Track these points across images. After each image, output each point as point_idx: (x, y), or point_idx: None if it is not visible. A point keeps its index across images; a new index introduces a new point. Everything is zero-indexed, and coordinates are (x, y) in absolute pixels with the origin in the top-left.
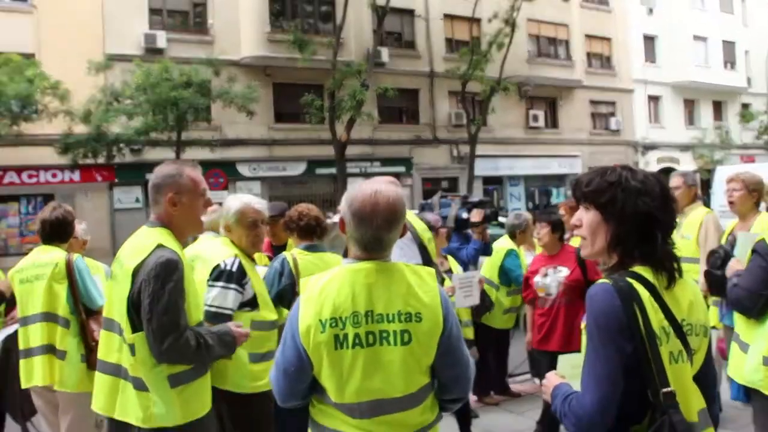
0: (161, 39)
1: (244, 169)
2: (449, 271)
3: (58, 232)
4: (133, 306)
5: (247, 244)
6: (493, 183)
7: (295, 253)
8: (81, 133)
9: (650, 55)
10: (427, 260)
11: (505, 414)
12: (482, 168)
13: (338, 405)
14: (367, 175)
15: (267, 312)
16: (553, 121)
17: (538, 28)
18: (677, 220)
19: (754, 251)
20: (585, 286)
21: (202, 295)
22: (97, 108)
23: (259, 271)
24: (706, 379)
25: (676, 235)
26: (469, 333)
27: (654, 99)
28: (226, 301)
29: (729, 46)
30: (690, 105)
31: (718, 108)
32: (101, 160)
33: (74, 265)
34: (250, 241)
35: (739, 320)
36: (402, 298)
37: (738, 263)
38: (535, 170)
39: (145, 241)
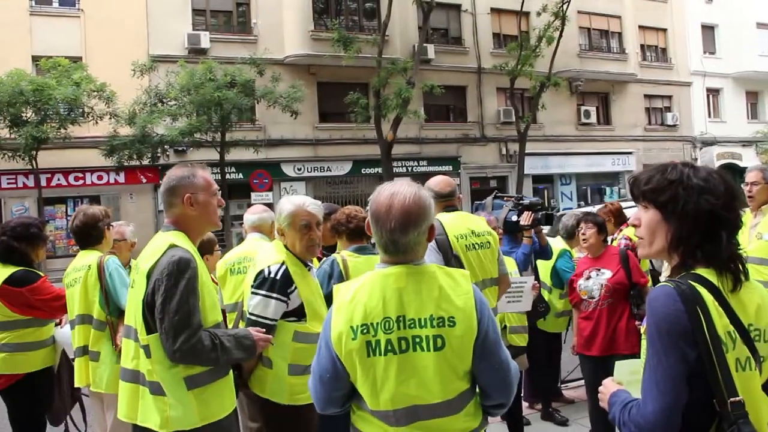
0: (205, 39)
1: (288, 170)
2: None
3: (84, 237)
4: (148, 307)
5: (300, 249)
6: (544, 182)
7: (344, 255)
8: (126, 135)
9: (709, 45)
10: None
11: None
12: (532, 166)
13: (374, 412)
14: (413, 175)
15: (316, 324)
16: (605, 117)
17: (589, 21)
18: (755, 218)
19: None
20: (629, 288)
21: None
22: (141, 110)
23: None
24: None
25: (752, 235)
26: (521, 340)
27: (713, 92)
28: (266, 310)
29: None
30: (753, 97)
31: None
32: (146, 161)
33: (104, 266)
34: (303, 245)
35: None
36: (434, 302)
37: None
38: (587, 168)
39: (158, 244)
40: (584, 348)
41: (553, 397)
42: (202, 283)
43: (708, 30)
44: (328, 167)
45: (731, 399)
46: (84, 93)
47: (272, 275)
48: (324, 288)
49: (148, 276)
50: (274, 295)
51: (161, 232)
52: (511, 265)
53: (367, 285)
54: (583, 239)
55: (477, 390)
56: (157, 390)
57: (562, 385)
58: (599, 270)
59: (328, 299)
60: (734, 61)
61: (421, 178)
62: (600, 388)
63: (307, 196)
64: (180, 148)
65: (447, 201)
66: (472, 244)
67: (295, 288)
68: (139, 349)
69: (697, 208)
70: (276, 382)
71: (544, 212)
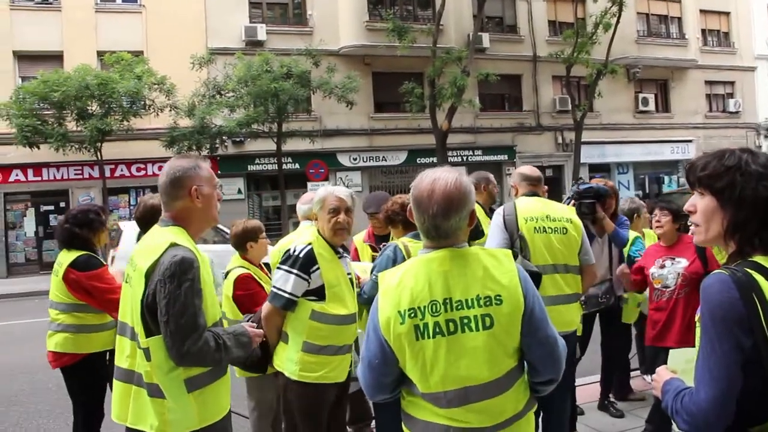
0: (261, 32)
1: (344, 160)
2: None
3: (146, 226)
4: (147, 309)
5: (328, 232)
6: (601, 171)
7: (405, 241)
8: (186, 126)
9: None
10: None
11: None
12: (588, 155)
13: (425, 395)
14: (468, 165)
15: (336, 306)
16: (664, 105)
17: (647, 6)
18: None
19: None
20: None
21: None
22: (200, 102)
23: (362, 265)
24: None
25: None
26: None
27: None
28: (286, 284)
29: None
30: None
31: None
32: (205, 152)
33: None
34: (331, 228)
35: None
36: (479, 282)
37: None
38: (645, 157)
39: (157, 241)
40: (656, 339)
41: (626, 391)
42: (204, 281)
43: None
44: (384, 157)
45: None
46: (145, 86)
47: (296, 253)
48: None
49: (147, 276)
50: (295, 271)
51: (158, 227)
52: None
53: (412, 270)
54: (657, 226)
55: (525, 369)
56: (155, 392)
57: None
58: (674, 259)
59: None
60: None
61: (476, 167)
62: (653, 377)
63: (363, 185)
64: (238, 139)
65: (532, 185)
66: (543, 227)
67: (318, 269)
68: (136, 349)
69: (756, 195)
70: (289, 356)
71: (586, 202)
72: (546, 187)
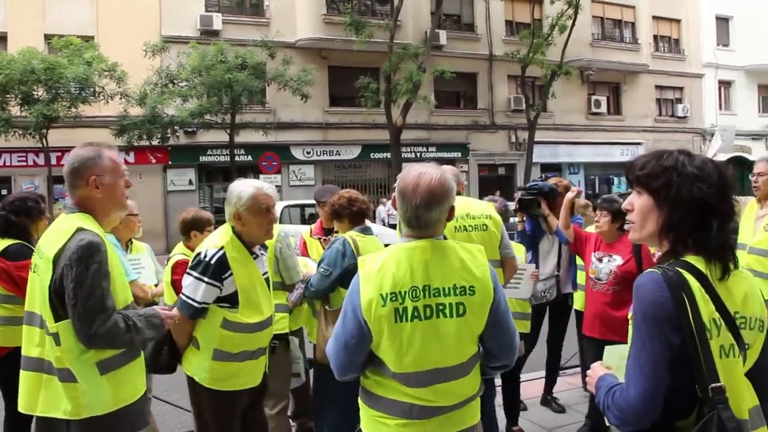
0: (217, 21)
1: (297, 153)
2: None
3: None
4: (55, 294)
5: (260, 233)
6: (553, 170)
7: (353, 235)
8: (136, 115)
9: (723, 37)
10: None
11: (554, 406)
12: (541, 155)
13: (396, 375)
14: (422, 161)
15: (249, 313)
16: (616, 107)
17: (602, 10)
18: (761, 209)
19: None
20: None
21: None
22: (152, 90)
23: (308, 262)
24: (763, 376)
25: (758, 226)
26: (522, 327)
27: (725, 84)
28: (196, 293)
29: None
30: (764, 90)
31: None
32: (156, 142)
33: None
34: (264, 228)
35: None
36: (457, 272)
37: None
38: (596, 158)
39: (64, 227)
40: (588, 329)
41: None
42: (112, 265)
43: (722, 22)
44: (337, 151)
45: (712, 385)
46: (95, 72)
47: (207, 259)
48: (338, 266)
49: (54, 261)
50: (206, 279)
51: (65, 215)
52: (518, 251)
53: (394, 256)
54: (597, 226)
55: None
56: (67, 377)
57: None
58: (611, 256)
59: (344, 276)
60: (747, 53)
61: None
62: (588, 372)
63: (316, 179)
64: (190, 129)
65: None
66: (464, 226)
67: (231, 275)
68: (44, 337)
69: (691, 196)
70: (200, 363)
71: (522, 198)
72: (465, 182)
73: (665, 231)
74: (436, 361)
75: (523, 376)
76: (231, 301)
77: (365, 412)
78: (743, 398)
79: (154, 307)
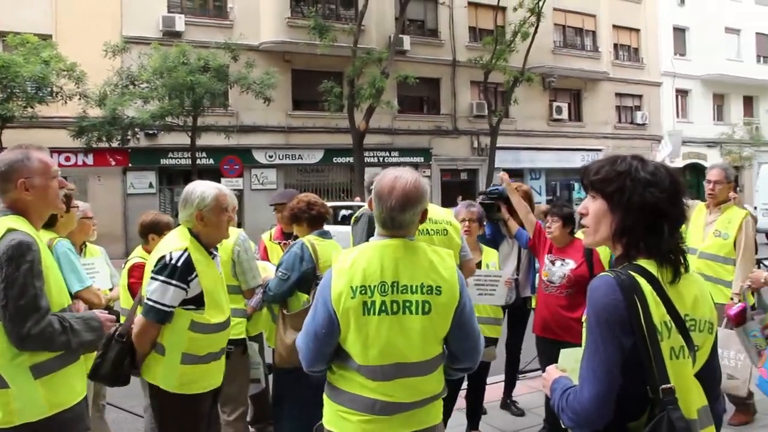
0: (180, 22)
1: (260, 156)
2: (476, 265)
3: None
4: None
5: (220, 233)
6: (514, 176)
7: (311, 239)
8: (96, 116)
9: (680, 47)
10: None
11: (513, 409)
12: (503, 160)
13: (361, 368)
14: (385, 165)
15: (213, 313)
16: (577, 114)
17: (564, 18)
18: (710, 215)
19: None
20: (590, 281)
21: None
22: (112, 91)
23: (267, 266)
24: (712, 376)
25: (708, 231)
26: (493, 332)
27: (682, 93)
28: (165, 297)
29: (763, 39)
30: (719, 99)
31: (749, 103)
32: (115, 144)
33: (53, 249)
34: (224, 228)
35: None
36: (424, 272)
37: None
38: (557, 164)
39: None
40: (541, 330)
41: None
42: (47, 267)
43: (679, 32)
44: (300, 155)
45: (663, 386)
46: (53, 72)
47: (173, 261)
48: (296, 270)
49: None
50: (174, 282)
51: None
52: (491, 256)
53: (366, 253)
54: (549, 231)
55: (445, 357)
56: None
57: (520, 376)
58: (564, 260)
59: (301, 280)
60: (703, 63)
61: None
62: (543, 375)
63: (278, 183)
64: (151, 132)
65: None
66: (426, 229)
67: (196, 276)
68: None
69: (643, 201)
70: (167, 369)
71: (485, 202)
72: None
73: (618, 235)
74: (400, 356)
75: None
76: (197, 302)
77: (329, 407)
78: (692, 398)
79: (94, 310)
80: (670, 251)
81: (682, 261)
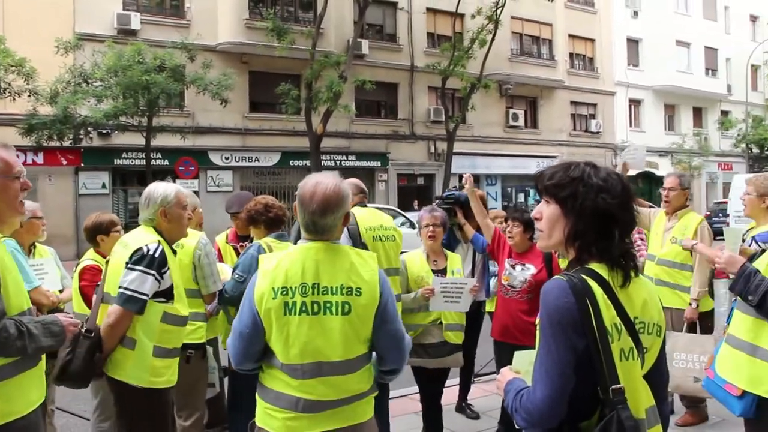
0: (135, 20)
1: (216, 158)
2: (440, 272)
3: None
4: None
5: (182, 230)
6: None
7: (268, 241)
8: (46, 114)
9: (633, 58)
10: None
11: (469, 412)
12: (459, 166)
13: (284, 366)
14: (342, 169)
15: (180, 306)
16: (533, 121)
17: (521, 26)
18: (669, 222)
19: None
20: None
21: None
22: (64, 89)
23: (225, 268)
24: (659, 378)
25: (666, 238)
26: (458, 337)
27: (635, 102)
28: (143, 286)
29: (711, 53)
30: (670, 110)
31: (698, 114)
32: (67, 143)
33: None
34: (185, 225)
35: (759, 330)
36: (345, 273)
37: (734, 255)
38: (513, 170)
39: None
40: (500, 334)
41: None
42: (5, 268)
43: (633, 43)
44: (257, 157)
45: (612, 386)
46: (1, 67)
47: (151, 252)
48: (253, 272)
49: None
50: (152, 271)
51: None
52: (456, 262)
53: (289, 255)
54: (509, 236)
55: (373, 358)
56: None
57: (476, 379)
58: (524, 264)
59: None
60: (655, 74)
61: (350, 172)
62: (497, 377)
63: (234, 185)
64: (104, 131)
65: (364, 195)
66: (380, 236)
67: (168, 269)
68: None
69: (595, 206)
70: (137, 363)
71: (443, 206)
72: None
73: (571, 239)
74: (320, 355)
75: None
76: (166, 295)
77: (259, 405)
78: (641, 399)
79: (56, 314)
80: (621, 256)
81: (633, 265)
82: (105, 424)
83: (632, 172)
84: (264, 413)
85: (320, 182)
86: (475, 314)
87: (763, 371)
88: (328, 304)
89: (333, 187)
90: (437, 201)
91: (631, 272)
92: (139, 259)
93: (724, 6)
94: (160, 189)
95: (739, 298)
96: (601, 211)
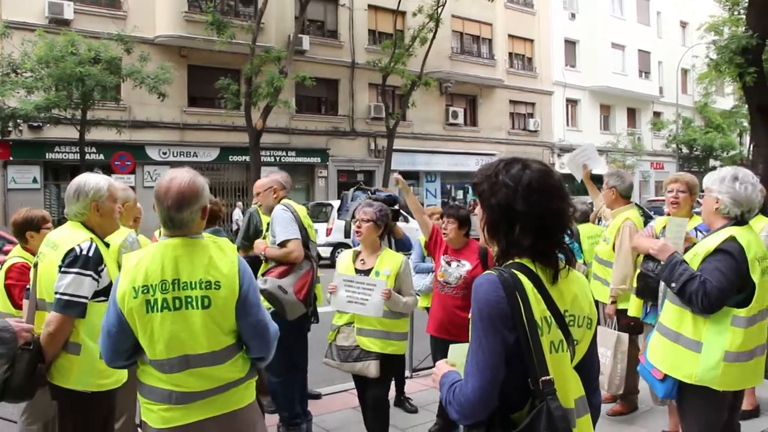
0: (68, 10)
1: (153, 153)
2: (364, 273)
3: None
4: None
5: (114, 224)
6: (410, 178)
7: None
8: None
9: (571, 59)
10: (306, 239)
11: (407, 406)
12: (399, 162)
13: (153, 362)
14: (282, 165)
15: None
16: (472, 119)
17: (462, 25)
18: (608, 222)
19: (721, 250)
20: None
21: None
22: None
23: None
24: (590, 369)
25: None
26: (374, 345)
27: (572, 102)
28: (81, 288)
29: (644, 56)
30: (606, 110)
31: (632, 115)
32: None
33: None
34: (116, 219)
35: (681, 318)
36: (204, 268)
37: (667, 243)
38: (453, 167)
39: None
40: (436, 330)
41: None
42: None
43: (570, 45)
44: (195, 153)
45: (542, 378)
46: None
47: (84, 252)
48: None
49: None
50: (88, 272)
51: None
52: (387, 264)
53: (149, 253)
54: (444, 233)
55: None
56: None
57: (414, 374)
58: (459, 261)
59: None
60: (591, 75)
61: (290, 168)
62: (433, 370)
63: None
64: (35, 124)
65: (286, 192)
66: (310, 224)
67: (105, 266)
68: None
69: (497, 200)
70: (84, 368)
71: (393, 208)
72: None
73: (488, 233)
74: (185, 348)
75: None
76: (106, 293)
77: (140, 401)
78: (570, 389)
79: (7, 319)
80: (542, 252)
81: (556, 261)
82: (33, 427)
83: (600, 171)
84: (144, 408)
85: (174, 177)
86: None
87: (683, 357)
88: (189, 299)
89: (187, 182)
90: (356, 191)
91: (559, 267)
92: (72, 260)
93: (657, 11)
94: (91, 181)
95: (668, 288)
96: (503, 205)
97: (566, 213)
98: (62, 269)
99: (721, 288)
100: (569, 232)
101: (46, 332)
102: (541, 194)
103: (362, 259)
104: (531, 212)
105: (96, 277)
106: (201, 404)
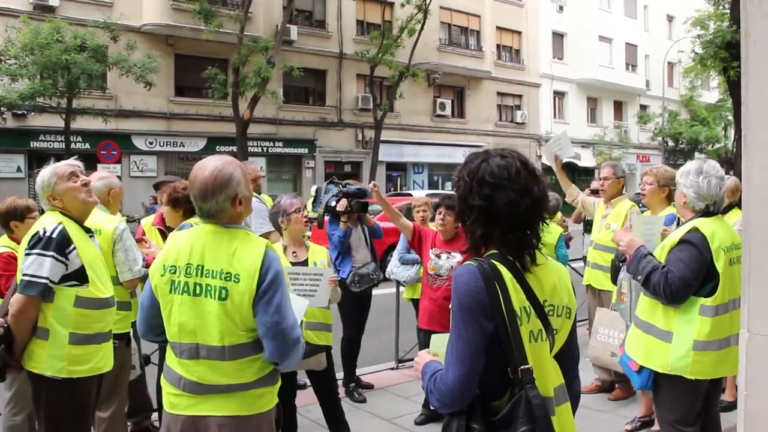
0: None
1: (139, 143)
2: (300, 265)
3: None
4: None
5: (80, 200)
6: (397, 169)
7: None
8: None
9: (558, 51)
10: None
11: (393, 397)
12: (387, 154)
13: (170, 342)
14: (269, 156)
15: (99, 287)
16: (460, 111)
17: (450, 17)
18: (606, 210)
19: (685, 241)
20: None
21: None
22: None
23: (154, 248)
24: (570, 357)
25: (602, 225)
26: (320, 338)
27: (559, 95)
28: (41, 269)
29: (631, 49)
30: (593, 103)
31: (618, 108)
32: None
33: None
34: (81, 193)
35: (653, 310)
36: (227, 258)
37: (634, 239)
38: (440, 158)
39: None
40: (428, 324)
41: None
42: None
43: (558, 37)
44: (182, 143)
45: (521, 366)
46: None
47: (47, 234)
48: None
49: None
50: (50, 253)
51: None
52: (320, 254)
53: (186, 235)
54: (440, 224)
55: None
56: None
57: (400, 364)
58: (450, 253)
59: None
60: (578, 68)
61: (277, 158)
62: (415, 359)
63: (159, 171)
64: (19, 112)
65: (256, 184)
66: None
67: (74, 248)
68: None
69: (459, 195)
70: (52, 353)
71: (359, 201)
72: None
73: (466, 228)
74: (196, 336)
75: (363, 369)
76: (79, 277)
77: (162, 381)
78: (549, 378)
79: None
80: (517, 244)
81: (527, 254)
82: (17, 418)
83: (573, 159)
84: (163, 382)
85: (202, 166)
86: (361, 301)
87: (655, 347)
88: (209, 287)
89: (211, 172)
90: (341, 195)
91: (535, 257)
92: (35, 242)
93: (644, 5)
94: (39, 179)
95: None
96: (462, 199)
97: (521, 205)
98: (26, 251)
99: (682, 277)
100: (545, 223)
101: (10, 313)
102: (493, 187)
103: (294, 252)
104: (483, 205)
105: (60, 258)
106: (207, 399)
